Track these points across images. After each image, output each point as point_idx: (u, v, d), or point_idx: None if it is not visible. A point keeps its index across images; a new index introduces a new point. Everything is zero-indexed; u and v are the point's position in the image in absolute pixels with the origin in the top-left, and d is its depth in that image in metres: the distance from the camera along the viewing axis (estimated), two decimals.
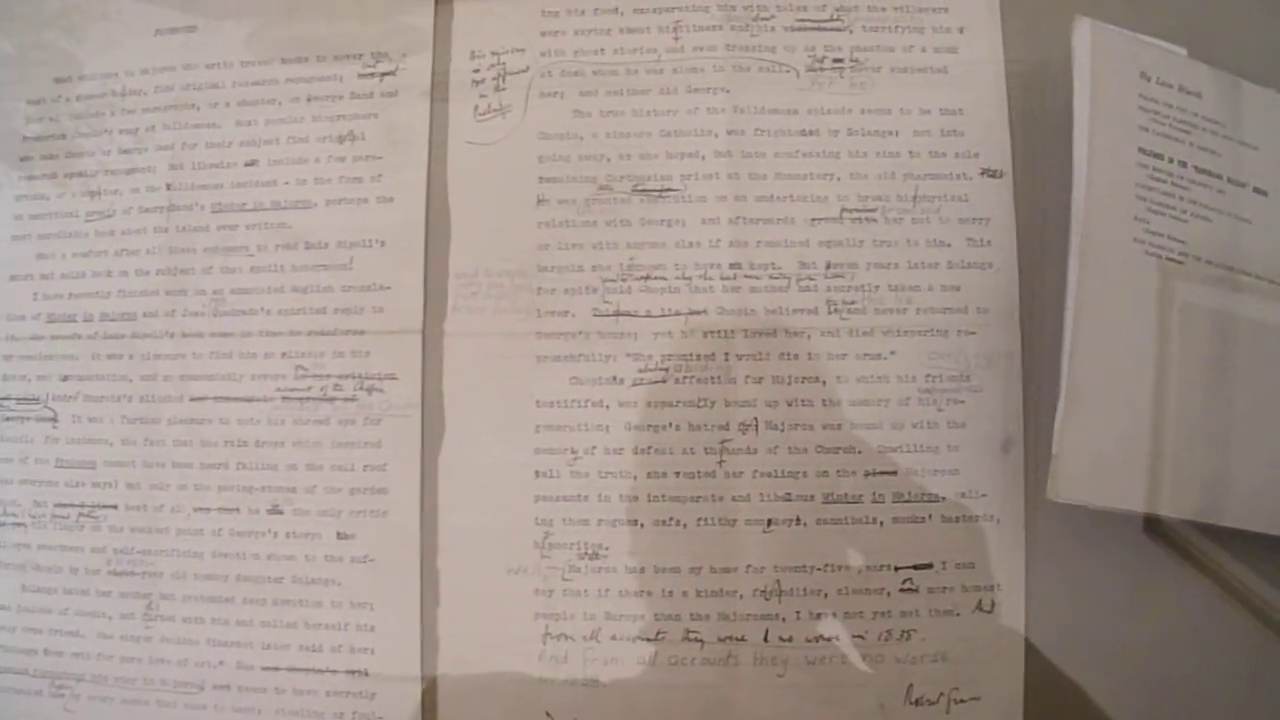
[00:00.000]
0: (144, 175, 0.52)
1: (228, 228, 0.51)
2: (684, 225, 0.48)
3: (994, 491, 0.47)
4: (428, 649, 0.48)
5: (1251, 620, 0.47)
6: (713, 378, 0.47)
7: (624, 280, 0.48)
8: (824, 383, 0.47)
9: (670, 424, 0.47)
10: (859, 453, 0.47)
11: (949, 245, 0.48)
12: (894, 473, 0.47)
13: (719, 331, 0.48)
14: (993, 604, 0.46)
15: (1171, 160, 0.45)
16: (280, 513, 0.49)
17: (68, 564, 0.50)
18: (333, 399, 0.49)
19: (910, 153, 0.48)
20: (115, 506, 0.50)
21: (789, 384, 0.47)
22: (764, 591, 0.47)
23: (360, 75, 0.51)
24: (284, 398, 0.49)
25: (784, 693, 0.46)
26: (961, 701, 0.46)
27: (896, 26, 0.49)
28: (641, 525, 0.47)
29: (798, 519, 0.47)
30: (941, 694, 0.46)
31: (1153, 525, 0.46)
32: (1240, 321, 0.46)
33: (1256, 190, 0.47)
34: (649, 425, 0.47)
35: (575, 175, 0.49)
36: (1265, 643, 0.47)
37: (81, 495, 0.51)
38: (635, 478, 0.47)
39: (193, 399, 0.50)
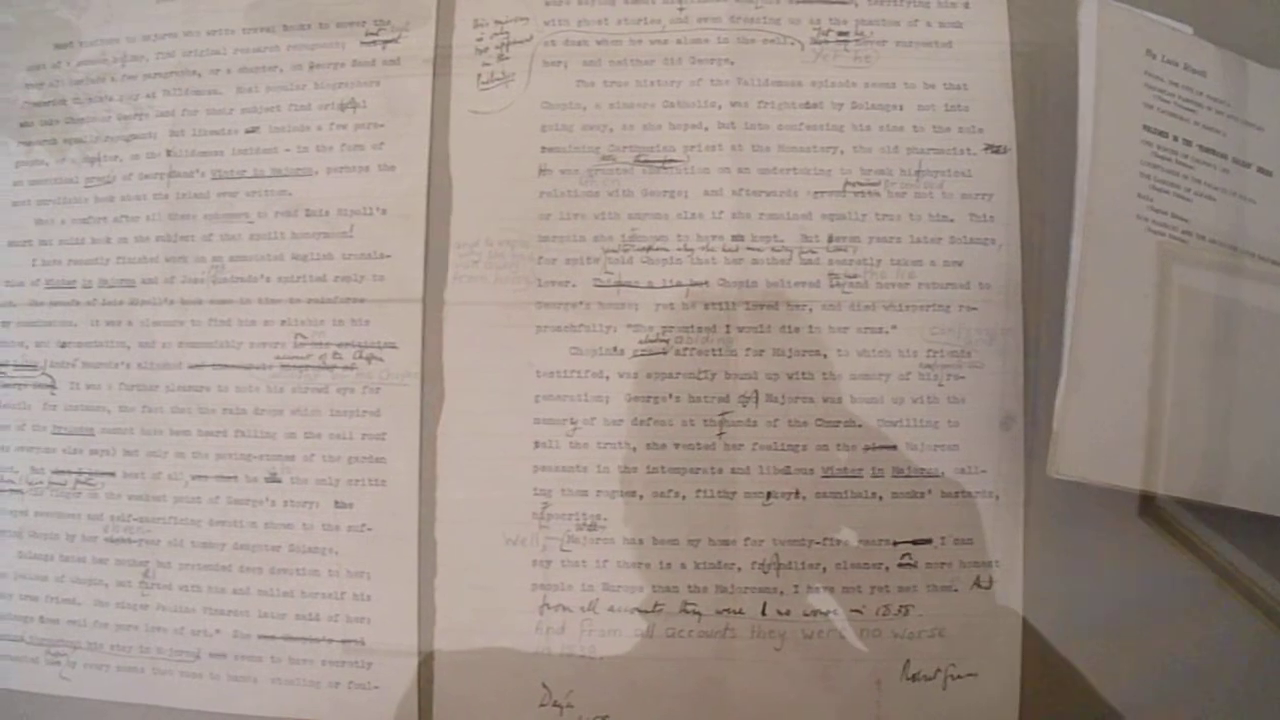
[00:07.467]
0: (144, 142, 0.52)
1: (228, 195, 0.51)
2: (686, 196, 0.48)
3: (993, 468, 0.47)
4: (425, 619, 0.48)
5: (1244, 601, 0.47)
6: (713, 350, 0.47)
7: (625, 251, 0.48)
8: (825, 356, 0.47)
9: (670, 395, 0.47)
10: (859, 427, 0.47)
11: (952, 220, 0.48)
12: (894, 448, 0.47)
13: (720, 303, 0.48)
14: (990, 580, 0.46)
15: (1176, 138, 0.45)
16: (278, 481, 0.49)
17: (65, 531, 0.50)
18: (332, 367, 0.49)
19: (914, 127, 0.48)
20: (113, 474, 0.50)
21: (790, 357, 0.47)
22: (762, 565, 0.47)
23: (362, 43, 0.51)
24: (283, 366, 0.49)
25: (780, 667, 0.46)
26: (958, 678, 0.46)
27: (902, 0, 0.49)
28: (640, 497, 0.47)
29: (797, 492, 0.47)
30: (938, 670, 0.46)
31: (1147, 509, 0.46)
32: (1242, 302, 0.46)
33: (1261, 170, 0.47)
34: (649, 396, 0.47)
35: (578, 145, 0.49)
36: (1257, 621, 0.47)
37: (79, 462, 0.50)
38: (634, 449, 0.47)
39: (191, 366, 0.50)
